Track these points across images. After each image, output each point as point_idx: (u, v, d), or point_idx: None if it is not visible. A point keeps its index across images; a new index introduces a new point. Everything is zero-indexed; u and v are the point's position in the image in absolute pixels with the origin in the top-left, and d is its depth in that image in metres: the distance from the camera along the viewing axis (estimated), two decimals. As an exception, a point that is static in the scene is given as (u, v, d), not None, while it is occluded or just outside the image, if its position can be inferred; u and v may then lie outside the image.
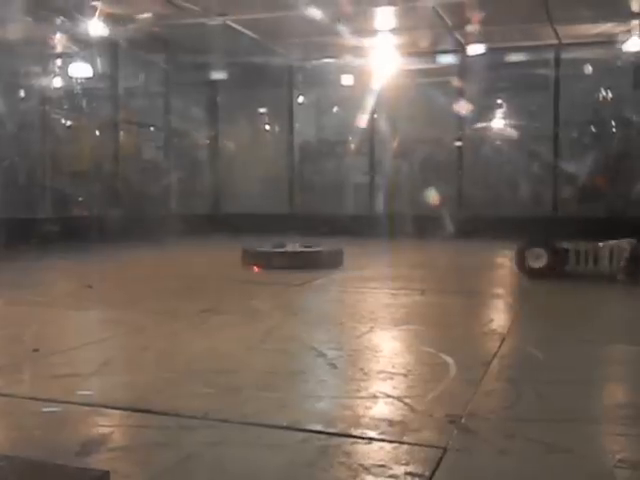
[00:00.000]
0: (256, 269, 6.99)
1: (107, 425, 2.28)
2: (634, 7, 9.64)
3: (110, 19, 10.29)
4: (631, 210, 11.13)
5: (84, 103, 11.06)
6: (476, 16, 10.17)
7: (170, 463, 1.96)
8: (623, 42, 10.89)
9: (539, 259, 6.41)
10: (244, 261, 7.25)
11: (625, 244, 6.30)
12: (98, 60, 10.93)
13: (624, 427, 2.33)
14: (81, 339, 3.78)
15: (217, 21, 10.41)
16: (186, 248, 10.22)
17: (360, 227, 11.63)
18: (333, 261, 7.30)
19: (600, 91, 12.22)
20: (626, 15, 9.96)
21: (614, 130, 12.36)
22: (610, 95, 12.20)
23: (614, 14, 9.90)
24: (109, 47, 11.03)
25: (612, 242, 6.37)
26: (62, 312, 4.68)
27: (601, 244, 6.35)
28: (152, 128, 13.12)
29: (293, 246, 7.79)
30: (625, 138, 12.22)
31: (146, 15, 10.03)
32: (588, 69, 11.95)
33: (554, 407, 2.50)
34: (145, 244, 10.05)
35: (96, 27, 10.17)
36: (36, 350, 3.25)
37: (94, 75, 10.94)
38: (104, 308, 4.78)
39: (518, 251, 6.61)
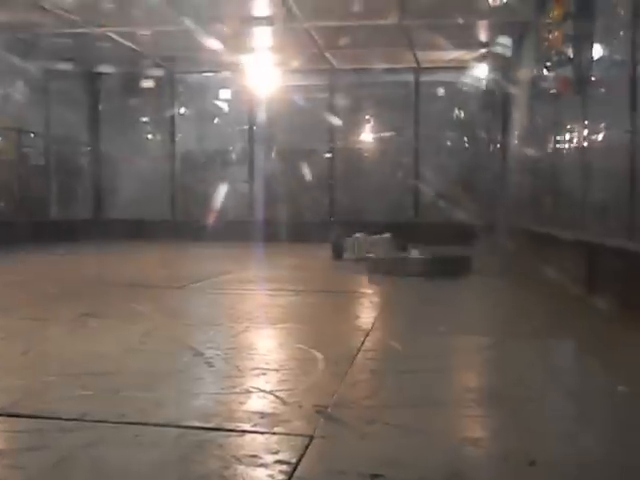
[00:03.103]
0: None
1: (-19, 430, 2.17)
2: (482, 38, 10.21)
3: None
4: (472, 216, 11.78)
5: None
6: (345, 39, 10.42)
7: (45, 465, 1.88)
8: (473, 68, 11.50)
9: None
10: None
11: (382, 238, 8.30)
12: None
13: (469, 409, 2.46)
14: (-44, 345, 3.56)
15: (97, 32, 10.08)
16: (67, 254, 9.81)
17: (239, 232, 11.62)
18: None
19: (454, 110, 12.83)
20: (475, 45, 10.53)
21: (466, 145, 13.02)
22: (462, 114, 12.84)
23: (465, 43, 10.43)
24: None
25: (375, 237, 8.34)
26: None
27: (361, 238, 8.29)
28: (32, 135, 12.51)
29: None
30: (475, 152, 12.90)
31: (24, 23, 9.56)
32: (443, 91, 12.54)
33: (410, 394, 2.59)
34: (23, 250, 9.57)
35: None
36: None
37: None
38: (-19, 314, 4.51)
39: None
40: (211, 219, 12.25)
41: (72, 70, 12.54)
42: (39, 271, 7.74)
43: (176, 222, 13.10)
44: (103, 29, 10.00)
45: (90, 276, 6.96)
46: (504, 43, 9.97)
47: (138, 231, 12.41)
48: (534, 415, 2.39)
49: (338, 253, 8.56)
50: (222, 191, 13.09)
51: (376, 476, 1.76)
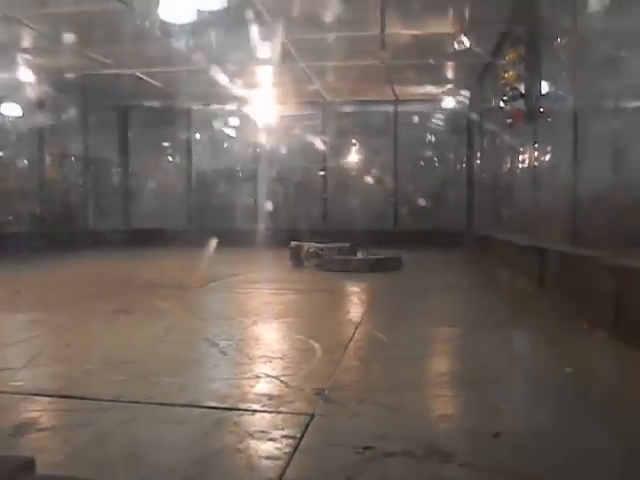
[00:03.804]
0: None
1: (36, 410, 2.17)
2: (449, 75, 10.27)
3: (38, 68, 9.80)
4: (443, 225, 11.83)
5: (14, 137, 10.43)
6: (335, 76, 10.47)
7: (90, 438, 1.89)
8: (441, 100, 11.56)
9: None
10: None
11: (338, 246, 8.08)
12: (27, 101, 10.37)
13: (443, 390, 2.48)
14: (12, 338, 3.55)
15: (127, 72, 10.11)
16: (101, 259, 9.79)
17: (246, 239, 11.62)
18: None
19: (426, 135, 12.89)
20: (443, 81, 10.60)
21: (437, 164, 13.07)
22: (433, 139, 12.90)
23: (435, 80, 10.51)
24: (38, 91, 10.53)
25: (329, 244, 8.05)
26: (-8, 315, 4.37)
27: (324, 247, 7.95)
28: (73, 158, 12.55)
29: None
30: (445, 170, 12.97)
31: (69, 66, 9.61)
32: (417, 119, 12.61)
33: (394, 378, 2.60)
34: (66, 256, 9.55)
35: (26, 74, 9.70)
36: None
37: (23, 114, 10.34)
38: (31, 311, 4.48)
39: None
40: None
41: (106, 104, 12.57)
42: (77, 274, 7.72)
43: (193, 231, 13.07)
44: (131, 70, 10.04)
45: (120, 278, 6.93)
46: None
47: (160, 239, 12.37)
48: (497, 395, 2.41)
49: (298, 261, 8.14)
50: (231, 204, 13.12)
51: (367, 448, 1.77)
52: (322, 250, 7.93)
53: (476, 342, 3.41)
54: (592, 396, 2.37)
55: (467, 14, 7.11)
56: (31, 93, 10.33)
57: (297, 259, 8.05)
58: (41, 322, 4.03)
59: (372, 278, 6.73)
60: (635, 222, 3.73)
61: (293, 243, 8.26)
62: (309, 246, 8.05)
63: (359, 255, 8.05)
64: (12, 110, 10.15)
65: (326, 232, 11.56)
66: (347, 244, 8.33)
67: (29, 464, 1.44)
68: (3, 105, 9.96)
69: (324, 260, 7.69)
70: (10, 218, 10.38)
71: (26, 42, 8.48)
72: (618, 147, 4.13)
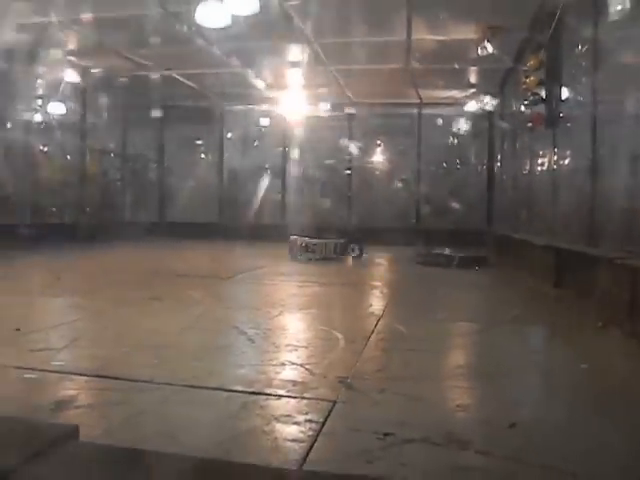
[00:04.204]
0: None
1: (75, 388, 2.21)
2: (472, 80, 10.13)
3: (82, 69, 9.99)
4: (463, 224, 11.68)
5: (58, 134, 10.63)
6: (361, 79, 10.43)
7: (125, 416, 1.93)
8: (465, 104, 11.42)
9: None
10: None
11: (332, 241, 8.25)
12: (70, 100, 10.56)
13: (460, 382, 2.46)
14: (54, 321, 3.62)
15: (164, 73, 10.21)
16: (136, 249, 9.92)
17: (274, 233, 11.64)
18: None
19: (449, 138, 12.75)
20: (466, 85, 10.46)
21: (458, 167, 12.93)
22: (456, 141, 12.76)
23: (458, 84, 10.37)
24: (80, 90, 10.73)
25: (326, 240, 8.17)
26: (38, 299, 4.45)
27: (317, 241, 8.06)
28: (112, 154, 12.75)
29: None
30: (466, 172, 12.83)
31: (110, 67, 9.76)
32: (440, 122, 12.48)
33: (413, 368, 2.59)
34: (104, 246, 9.70)
35: (70, 74, 9.88)
36: (18, 329, 3.09)
37: (67, 112, 10.54)
38: (71, 296, 4.57)
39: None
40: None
41: (144, 103, 12.72)
42: (113, 263, 7.83)
43: (223, 225, 13.16)
44: (169, 71, 10.14)
45: (154, 268, 7.01)
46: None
47: (193, 232, 12.48)
48: (512, 387, 2.39)
49: (294, 254, 8.29)
50: (260, 199, 13.16)
51: (387, 434, 1.77)
52: (314, 244, 8.14)
53: (492, 337, 3.38)
54: (606, 391, 2.33)
55: (490, 21, 7.01)
56: (75, 93, 10.54)
57: (292, 252, 8.22)
58: (80, 307, 4.11)
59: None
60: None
61: (292, 237, 8.41)
62: (302, 240, 8.20)
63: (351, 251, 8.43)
64: (57, 109, 10.34)
65: (349, 228, 11.57)
66: (343, 240, 8.51)
67: (73, 431, 1.47)
68: (50, 104, 10.14)
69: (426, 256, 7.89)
70: (53, 209, 10.61)
71: (71, 44, 8.61)
72: (636, 152, 4.05)
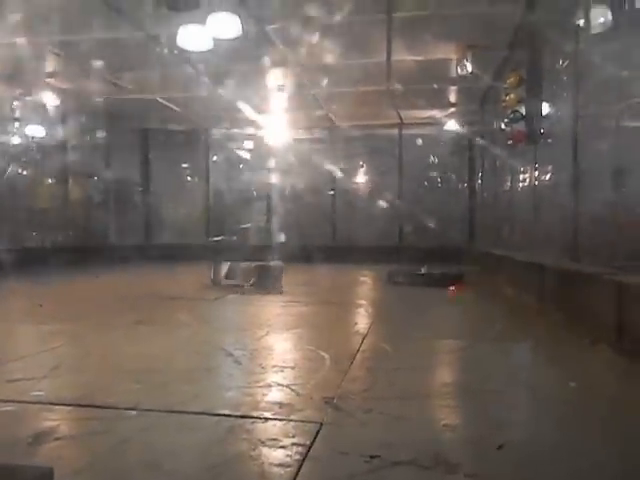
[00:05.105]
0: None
1: (55, 419, 2.14)
2: (451, 99, 10.27)
3: (62, 92, 9.91)
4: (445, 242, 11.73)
5: (38, 157, 10.52)
6: (342, 102, 10.53)
7: (108, 446, 1.86)
8: (444, 123, 11.56)
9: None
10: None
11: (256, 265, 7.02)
12: (51, 123, 10.47)
13: (446, 400, 2.43)
14: (34, 348, 3.52)
15: (148, 97, 10.20)
16: (121, 273, 9.80)
17: (260, 254, 11.58)
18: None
19: (430, 157, 12.89)
20: (446, 105, 10.60)
21: (440, 184, 13.05)
22: (436, 160, 12.89)
23: (438, 104, 10.51)
24: (61, 114, 10.66)
25: (255, 263, 6.97)
26: (17, 326, 4.36)
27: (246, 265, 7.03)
28: (95, 178, 12.64)
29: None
30: (447, 190, 12.94)
31: (92, 91, 9.71)
32: (421, 141, 12.62)
33: (399, 388, 2.56)
34: (87, 271, 9.56)
35: (50, 98, 9.81)
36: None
37: (47, 135, 10.44)
38: (53, 322, 4.47)
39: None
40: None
41: (127, 126, 12.70)
42: (97, 287, 7.72)
43: (209, 246, 13.09)
44: (152, 95, 10.13)
45: (140, 291, 6.92)
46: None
47: (179, 254, 12.40)
48: (499, 406, 2.36)
49: (216, 280, 7.46)
50: (246, 221, 13.13)
51: (374, 456, 1.73)
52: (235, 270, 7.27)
53: (478, 355, 3.36)
54: (596, 410, 2.31)
55: (469, 40, 7.12)
56: (55, 116, 10.45)
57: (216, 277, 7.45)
58: (62, 333, 4.01)
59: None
60: (634, 239, 3.68)
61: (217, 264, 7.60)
62: (228, 265, 7.44)
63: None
64: (37, 132, 10.23)
65: (334, 248, 11.58)
66: (267, 262, 7.40)
67: (48, 474, 1.40)
68: (29, 127, 10.04)
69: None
70: (34, 234, 10.43)
71: (51, 67, 8.56)
72: (617, 167, 4.10)
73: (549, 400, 2.47)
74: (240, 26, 5.95)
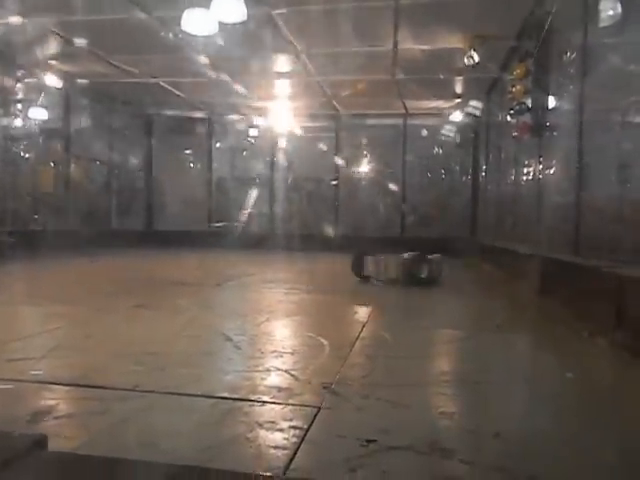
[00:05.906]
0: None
1: (54, 398, 2.15)
2: (457, 90, 10.22)
3: (65, 75, 9.88)
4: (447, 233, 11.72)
5: (40, 140, 10.49)
6: (348, 90, 10.47)
7: (106, 426, 1.87)
8: (450, 114, 11.51)
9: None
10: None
11: (403, 258, 6.21)
12: (53, 106, 10.43)
13: (445, 389, 2.43)
14: (33, 330, 3.54)
15: (151, 81, 10.16)
16: (122, 258, 9.83)
17: (262, 243, 11.62)
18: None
19: (434, 148, 12.85)
20: (451, 96, 10.55)
21: (443, 176, 13.02)
22: (441, 151, 12.85)
23: (443, 95, 10.46)
24: (64, 96, 10.62)
25: (398, 255, 6.27)
26: (18, 308, 4.37)
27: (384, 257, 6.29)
28: (98, 162, 12.63)
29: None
30: (450, 182, 12.91)
31: (95, 73, 9.68)
32: (426, 132, 12.57)
33: (398, 375, 2.57)
34: (88, 254, 9.59)
35: (52, 80, 9.77)
36: (-5, 338, 3.03)
37: (50, 118, 10.40)
38: (54, 305, 4.48)
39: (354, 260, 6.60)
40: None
41: (130, 111, 12.67)
42: (98, 271, 7.74)
43: (211, 233, 13.11)
44: (155, 79, 10.08)
45: (141, 276, 6.95)
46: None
47: (181, 240, 12.43)
48: (497, 395, 2.36)
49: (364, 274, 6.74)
50: (248, 209, 13.15)
51: (371, 441, 1.74)
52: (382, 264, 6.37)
53: (477, 345, 3.36)
54: (592, 401, 2.32)
55: (477, 30, 7.07)
56: (58, 99, 10.42)
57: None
58: (62, 315, 4.02)
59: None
60: (637, 233, 3.67)
61: None
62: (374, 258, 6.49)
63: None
64: (39, 114, 10.18)
65: (334, 237, 11.58)
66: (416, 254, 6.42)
67: (41, 441, 1.41)
68: (31, 109, 10.00)
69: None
70: (36, 217, 10.44)
71: (53, 49, 8.52)
72: (623, 161, 4.08)
73: (546, 391, 2.47)
74: (245, 10, 5.92)
